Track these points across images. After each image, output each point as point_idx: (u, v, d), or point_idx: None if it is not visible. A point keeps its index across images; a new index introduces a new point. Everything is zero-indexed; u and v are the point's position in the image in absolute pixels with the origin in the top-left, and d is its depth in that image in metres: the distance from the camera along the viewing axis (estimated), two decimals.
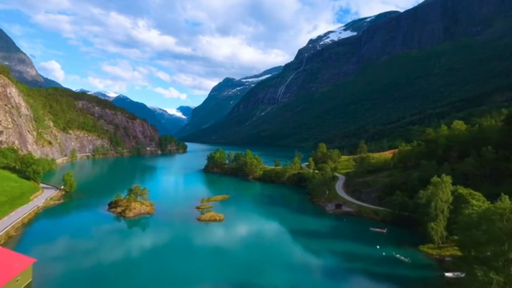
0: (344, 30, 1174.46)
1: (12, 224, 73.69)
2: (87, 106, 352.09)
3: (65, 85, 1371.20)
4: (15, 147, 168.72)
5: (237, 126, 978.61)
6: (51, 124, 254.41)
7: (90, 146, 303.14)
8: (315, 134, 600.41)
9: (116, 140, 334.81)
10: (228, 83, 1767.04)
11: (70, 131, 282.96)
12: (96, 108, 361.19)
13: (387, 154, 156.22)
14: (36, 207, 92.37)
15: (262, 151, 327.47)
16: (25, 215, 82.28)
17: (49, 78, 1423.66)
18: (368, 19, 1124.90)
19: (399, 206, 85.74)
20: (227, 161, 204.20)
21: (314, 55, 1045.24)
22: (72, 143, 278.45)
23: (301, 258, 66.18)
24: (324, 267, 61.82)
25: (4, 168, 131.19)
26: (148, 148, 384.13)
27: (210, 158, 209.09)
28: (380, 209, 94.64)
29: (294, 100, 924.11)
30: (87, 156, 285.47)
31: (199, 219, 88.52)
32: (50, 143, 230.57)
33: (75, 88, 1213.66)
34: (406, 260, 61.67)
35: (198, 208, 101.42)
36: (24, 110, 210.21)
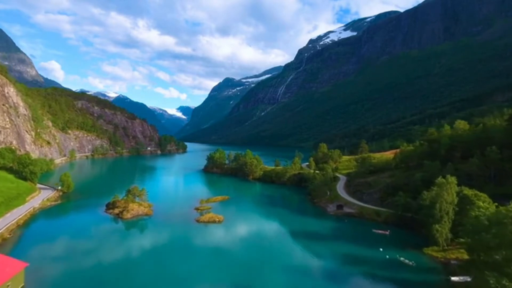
0: (344, 30, 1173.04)
1: (7, 226, 72.11)
2: (86, 106, 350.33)
3: (65, 85, 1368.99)
4: (13, 147, 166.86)
5: (237, 126, 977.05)
6: (50, 124, 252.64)
7: (89, 146, 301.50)
8: (315, 134, 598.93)
9: (116, 140, 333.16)
10: (228, 83, 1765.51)
11: (69, 131, 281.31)
12: (96, 108, 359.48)
13: (389, 154, 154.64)
14: (32, 208, 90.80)
15: (262, 151, 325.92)
16: (20, 217, 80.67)
17: (49, 78, 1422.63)
18: (368, 19, 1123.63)
19: (402, 207, 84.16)
20: (227, 161, 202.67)
21: (314, 55, 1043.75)
22: (71, 143, 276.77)
23: (302, 261, 64.64)
24: (325, 269, 60.28)
25: (1, 168, 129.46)
26: (148, 148, 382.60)
27: (210, 158, 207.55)
28: (382, 210, 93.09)
29: (294, 100, 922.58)
30: (86, 156, 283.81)
31: (198, 221, 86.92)
32: (48, 143, 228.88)
33: (75, 88, 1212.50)
34: (411, 263, 60.08)
35: (197, 209, 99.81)
36: (22, 109, 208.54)
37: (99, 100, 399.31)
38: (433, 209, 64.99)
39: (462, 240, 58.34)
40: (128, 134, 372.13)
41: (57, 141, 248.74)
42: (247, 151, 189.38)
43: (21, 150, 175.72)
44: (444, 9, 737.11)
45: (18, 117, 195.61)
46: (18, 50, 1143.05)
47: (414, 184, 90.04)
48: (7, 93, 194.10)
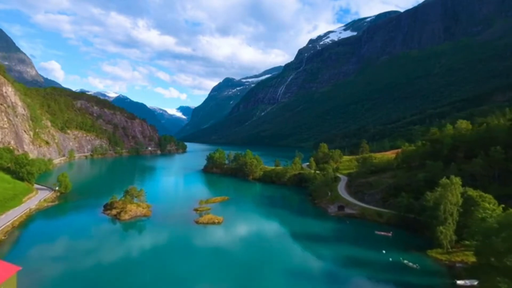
0: (344, 30, 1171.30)
1: (1, 228, 70.60)
2: (85, 105, 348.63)
3: (65, 85, 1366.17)
4: (11, 147, 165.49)
5: (237, 126, 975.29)
6: (49, 123, 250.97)
7: (89, 146, 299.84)
8: (315, 134, 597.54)
9: (115, 140, 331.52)
10: (228, 83, 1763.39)
11: (68, 131, 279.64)
12: (95, 107, 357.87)
13: (390, 154, 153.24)
14: (28, 209, 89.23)
15: (262, 151, 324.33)
16: (15, 218, 79.11)
17: (49, 78, 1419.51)
18: (368, 19, 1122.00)
19: (404, 208, 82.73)
20: (226, 161, 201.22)
21: (314, 55, 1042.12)
22: (70, 143, 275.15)
23: (302, 263, 63.26)
24: (327, 272, 58.85)
25: None
26: (149, 148, 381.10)
27: (210, 158, 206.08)
28: (384, 211, 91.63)
29: (294, 100, 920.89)
30: (86, 156, 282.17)
31: (197, 222, 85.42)
32: (47, 143, 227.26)
33: (75, 88, 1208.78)
34: (415, 266, 58.60)
35: (196, 210, 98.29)
36: (20, 109, 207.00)
37: (98, 100, 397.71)
38: (437, 210, 63.54)
39: (467, 242, 57.22)
40: (128, 134, 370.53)
41: (56, 141, 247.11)
42: (247, 151, 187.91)
43: (19, 150, 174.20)
44: (444, 9, 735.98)
45: (16, 116, 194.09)
46: (18, 50, 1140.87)
47: (417, 185, 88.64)
48: (5, 92, 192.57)
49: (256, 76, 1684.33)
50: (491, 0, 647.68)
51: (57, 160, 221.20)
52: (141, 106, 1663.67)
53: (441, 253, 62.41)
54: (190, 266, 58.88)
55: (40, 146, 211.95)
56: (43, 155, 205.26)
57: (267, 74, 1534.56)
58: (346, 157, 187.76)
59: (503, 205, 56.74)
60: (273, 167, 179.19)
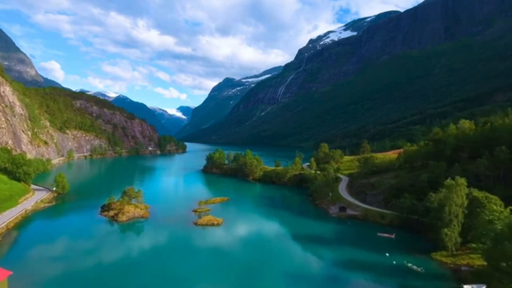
0: (344, 30, 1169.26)
1: None
2: (85, 105, 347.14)
3: (65, 85, 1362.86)
4: (9, 147, 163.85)
5: (237, 126, 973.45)
6: (48, 123, 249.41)
7: (88, 146, 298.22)
8: (315, 134, 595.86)
9: (115, 140, 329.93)
10: (228, 83, 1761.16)
11: (67, 131, 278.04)
12: (94, 107, 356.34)
13: (391, 155, 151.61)
14: (24, 210, 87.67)
15: (262, 151, 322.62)
16: (11, 219, 77.51)
17: (49, 78, 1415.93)
18: (368, 19, 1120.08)
19: (407, 209, 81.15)
20: (226, 162, 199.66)
21: (314, 55, 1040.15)
22: (69, 143, 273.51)
23: (303, 265, 61.78)
24: (328, 275, 57.34)
25: None
26: (149, 148, 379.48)
27: (209, 159, 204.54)
28: (386, 213, 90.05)
29: (294, 100, 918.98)
30: (85, 156, 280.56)
31: (196, 223, 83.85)
32: (46, 143, 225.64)
33: (75, 88, 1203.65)
34: (419, 269, 57.00)
35: (195, 211, 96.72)
36: (18, 109, 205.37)
37: (97, 100, 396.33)
38: (442, 212, 61.93)
39: (473, 245, 55.61)
40: (127, 134, 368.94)
41: (55, 141, 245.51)
42: (247, 151, 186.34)
43: (17, 150, 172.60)
44: (444, 9, 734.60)
45: (14, 116, 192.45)
46: (18, 50, 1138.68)
47: (420, 185, 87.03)
48: (3, 92, 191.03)
49: (256, 76, 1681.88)
50: (491, 0, 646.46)
51: (55, 160, 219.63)
52: (141, 106, 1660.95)
53: (446, 256, 60.77)
54: (188, 267, 57.46)
55: (38, 146, 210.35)
56: (42, 155, 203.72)
57: (267, 74, 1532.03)
58: (347, 157, 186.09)
59: (510, 207, 55.18)
60: (273, 167, 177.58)
